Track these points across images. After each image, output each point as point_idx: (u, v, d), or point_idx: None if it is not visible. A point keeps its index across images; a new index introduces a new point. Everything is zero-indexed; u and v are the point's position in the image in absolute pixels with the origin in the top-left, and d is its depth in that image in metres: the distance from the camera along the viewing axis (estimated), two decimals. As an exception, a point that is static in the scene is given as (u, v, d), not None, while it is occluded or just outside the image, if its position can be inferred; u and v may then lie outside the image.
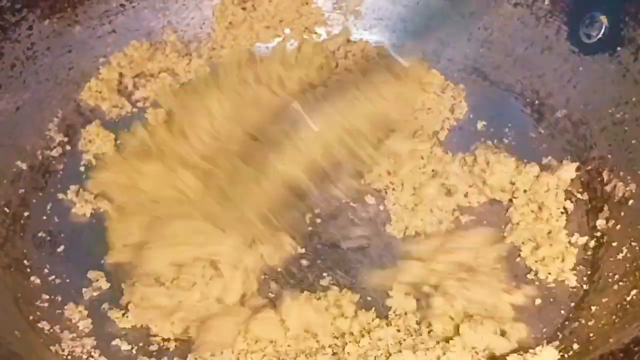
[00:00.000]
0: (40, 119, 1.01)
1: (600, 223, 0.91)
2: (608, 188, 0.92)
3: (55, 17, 1.02)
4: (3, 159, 0.95)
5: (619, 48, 0.93)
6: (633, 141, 0.90)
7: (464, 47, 1.10)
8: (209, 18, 1.13)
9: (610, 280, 0.84)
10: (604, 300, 0.81)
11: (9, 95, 0.97)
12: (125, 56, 1.08)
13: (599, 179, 0.94)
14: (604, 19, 0.95)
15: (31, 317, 0.84)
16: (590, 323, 0.79)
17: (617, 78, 0.93)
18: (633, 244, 0.84)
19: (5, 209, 0.93)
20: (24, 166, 0.97)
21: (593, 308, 0.81)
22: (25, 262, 0.91)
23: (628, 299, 0.78)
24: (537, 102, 1.04)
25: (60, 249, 0.93)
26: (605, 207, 0.91)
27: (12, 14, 0.98)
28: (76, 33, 1.05)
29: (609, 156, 0.93)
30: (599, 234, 0.90)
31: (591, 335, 0.77)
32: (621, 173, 0.91)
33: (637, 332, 0.69)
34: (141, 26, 1.10)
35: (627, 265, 0.83)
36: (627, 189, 0.89)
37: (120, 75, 1.07)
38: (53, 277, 0.90)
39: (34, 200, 0.96)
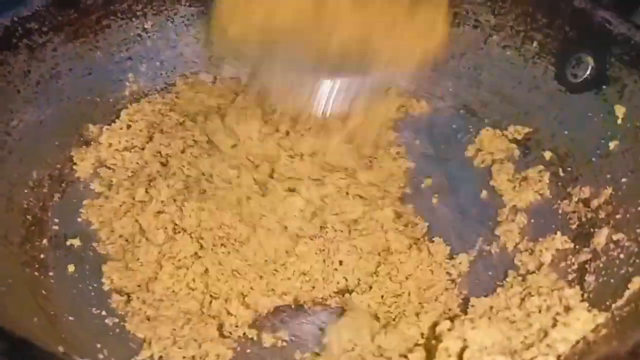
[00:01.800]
0: (60, 133, 0.97)
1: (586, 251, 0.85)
2: (593, 218, 0.87)
3: (78, 41, 0.99)
4: (26, 167, 0.91)
5: (604, 87, 0.89)
6: (619, 173, 0.86)
7: (454, 85, 1.06)
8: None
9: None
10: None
11: (33, 110, 0.93)
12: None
13: (585, 208, 0.88)
14: (590, 60, 0.91)
15: (49, 311, 0.80)
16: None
17: (603, 114, 0.89)
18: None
19: (27, 211, 0.89)
20: (44, 174, 0.93)
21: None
22: (42, 260, 0.87)
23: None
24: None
25: (75, 250, 0.90)
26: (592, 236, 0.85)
27: (39, 35, 0.94)
28: (96, 57, 1.01)
29: (595, 187, 0.89)
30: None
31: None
32: (608, 207, 0.86)
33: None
34: (155, 55, 1.07)
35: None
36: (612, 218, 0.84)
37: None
38: (69, 274, 0.87)
39: (52, 205, 0.93)
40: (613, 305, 0.72)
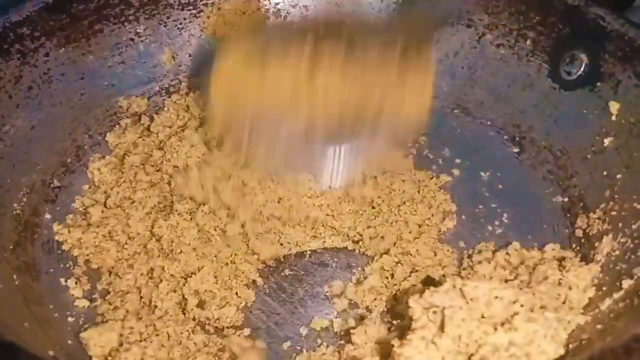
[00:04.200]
0: (53, 139, 0.96)
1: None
2: (589, 214, 0.87)
3: (70, 46, 0.99)
4: (18, 172, 0.90)
5: (598, 83, 0.89)
6: (614, 169, 0.86)
7: (448, 84, 1.05)
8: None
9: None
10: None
11: (25, 115, 0.92)
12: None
13: (580, 204, 0.89)
14: (584, 57, 0.91)
15: (41, 316, 0.79)
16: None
17: (598, 111, 0.89)
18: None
19: (19, 217, 0.88)
20: (37, 180, 0.92)
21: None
22: (34, 265, 0.86)
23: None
24: (518, 135, 0.99)
25: (68, 256, 0.89)
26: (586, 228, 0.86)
27: (31, 41, 0.94)
28: (89, 62, 1.01)
29: (590, 184, 0.89)
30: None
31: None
32: (602, 203, 0.86)
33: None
34: (148, 59, 1.06)
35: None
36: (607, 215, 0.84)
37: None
38: (61, 280, 0.86)
39: (46, 210, 0.92)
40: (608, 301, 0.72)
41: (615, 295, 0.72)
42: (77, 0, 0.98)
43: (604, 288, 0.75)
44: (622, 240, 0.79)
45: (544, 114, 0.97)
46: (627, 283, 0.72)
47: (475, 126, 1.03)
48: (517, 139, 1.00)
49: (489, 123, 1.03)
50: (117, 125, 1.02)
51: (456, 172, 0.99)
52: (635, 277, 0.72)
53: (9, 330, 0.66)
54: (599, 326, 0.69)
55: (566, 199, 0.91)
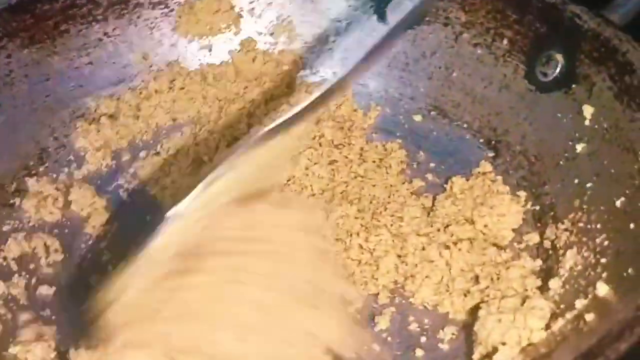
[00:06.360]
0: (16, 142, 0.94)
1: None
2: (558, 225, 0.83)
3: (34, 47, 0.97)
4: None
5: (573, 85, 0.85)
6: (585, 177, 0.82)
7: (425, 86, 1.02)
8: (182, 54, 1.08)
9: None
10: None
11: (-14, 118, 0.91)
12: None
13: (551, 213, 0.85)
14: (560, 57, 0.87)
15: None
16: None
17: (572, 115, 0.85)
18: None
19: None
20: (-5, 185, 0.91)
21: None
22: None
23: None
24: (494, 139, 0.95)
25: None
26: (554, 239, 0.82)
27: (-9, 42, 0.92)
28: (54, 63, 0.99)
29: (561, 192, 0.85)
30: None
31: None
32: (571, 214, 0.82)
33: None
34: (117, 59, 1.04)
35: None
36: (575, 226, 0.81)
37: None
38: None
39: (3, 216, 0.90)
40: (561, 321, 0.68)
41: (568, 316, 0.68)
42: (41, 1, 0.96)
43: (562, 306, 0.71)
44: (585, 254, 0.75)
45: (520, 116, 0.93)
46: (580, 302, 0.68)
47: (451, 129, 0.99)
48: (493, 142, 0.95)
49: (465, 126, 0.99)
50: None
51: (429, 176, 0.96)
52: (589, 296, 0.68)
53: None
54: (543, 349, 0.66)
55: (537, 207, 0.87)
